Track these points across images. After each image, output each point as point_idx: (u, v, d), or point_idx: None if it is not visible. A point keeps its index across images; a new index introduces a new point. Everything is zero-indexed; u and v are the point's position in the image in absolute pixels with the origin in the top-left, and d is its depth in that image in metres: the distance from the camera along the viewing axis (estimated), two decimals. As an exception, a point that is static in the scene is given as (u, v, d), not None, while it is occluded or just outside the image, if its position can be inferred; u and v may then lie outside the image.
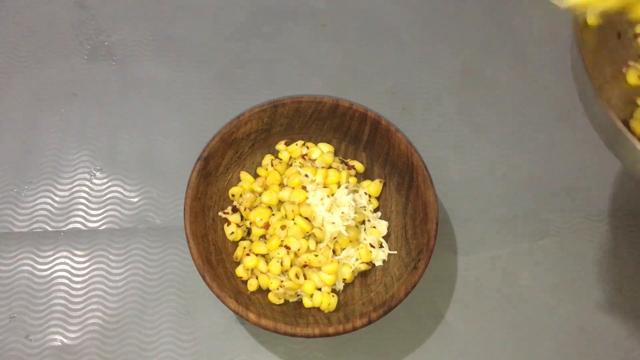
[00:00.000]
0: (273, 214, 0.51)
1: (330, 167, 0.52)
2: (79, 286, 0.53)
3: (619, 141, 0.35)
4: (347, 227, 0.50)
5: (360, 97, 0.61)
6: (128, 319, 0.52)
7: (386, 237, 0.52)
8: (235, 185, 0.53)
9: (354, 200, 0.51)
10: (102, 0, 0.65)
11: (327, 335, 0.46)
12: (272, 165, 0.53)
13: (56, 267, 0.53)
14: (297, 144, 0.54)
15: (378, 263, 0.51)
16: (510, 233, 0.56)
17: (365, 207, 0.52)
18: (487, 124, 0.61)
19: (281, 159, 0.53)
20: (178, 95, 0.61)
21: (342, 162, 0.53)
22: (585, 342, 0.52)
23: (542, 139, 0.60)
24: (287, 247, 0.49)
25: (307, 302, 0.49)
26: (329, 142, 0.55)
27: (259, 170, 0.54)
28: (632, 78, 0.40)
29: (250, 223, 0.51)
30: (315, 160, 0.53)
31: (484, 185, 0.58)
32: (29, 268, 0.53)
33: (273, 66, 0.63)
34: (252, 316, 0.46)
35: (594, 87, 0.36)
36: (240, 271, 0.50)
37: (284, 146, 0.54)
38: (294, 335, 0.46)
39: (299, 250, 0.49)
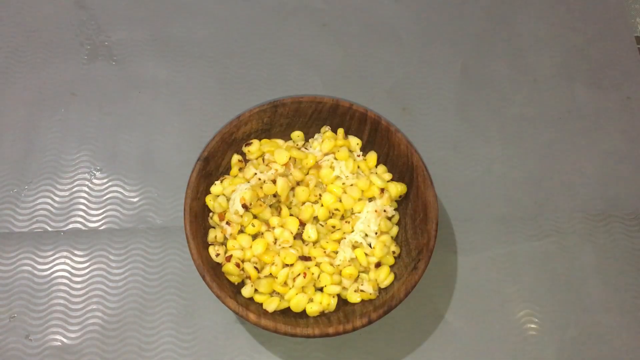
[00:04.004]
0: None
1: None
2: (79, 286, 0.53)
3: None
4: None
5: (360, 97, 0.61)
6: (128, 319, 0.52)
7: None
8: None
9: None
10: (102, 0, 0.65)
11: (327, 335, 0.46)
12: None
13: (56, 267, 0.53)
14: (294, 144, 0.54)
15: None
16: (510, 233, 0.56)
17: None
18: (487, 124, 0.61)
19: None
20: (178, 95, 0.61)
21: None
22: (584, 341, 0.52)
23: (542, 139, 0.60)
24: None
25: (309, 309, 0.49)
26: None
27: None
28: None
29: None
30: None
31: (484, 185, 0.58)
32: (29, 268, 0.53)
33: (273, 66, 0.63)
34: (252, 316, 0.46)
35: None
36: (232, 278, 0.50)
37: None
38: (294, 335, 0.46)
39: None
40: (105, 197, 0.56)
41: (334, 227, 0.50)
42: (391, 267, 0.50)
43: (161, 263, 0.54)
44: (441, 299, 0.53)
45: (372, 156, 0.53)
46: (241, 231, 0.50)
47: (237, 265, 0.48)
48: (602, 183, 0.59)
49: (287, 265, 0.49)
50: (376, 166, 0.53)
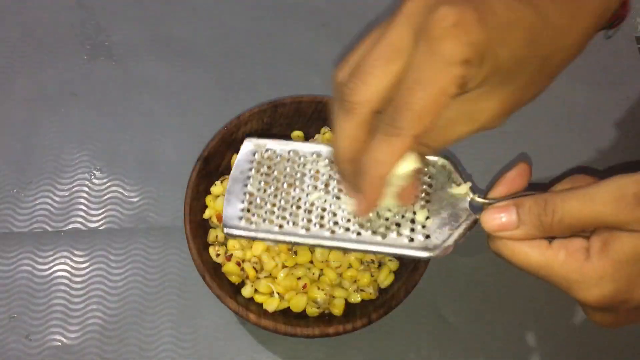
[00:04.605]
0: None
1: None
2: (79, 286, 0.53)
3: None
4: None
5: (360, 97, 0.61)
6: (128, 319, 0.52)
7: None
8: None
9: None
10: (102, 0, 0.65)
11: (327, 335, 0.46)
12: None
13: (56, 267, 0.53)
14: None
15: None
16: (511, 233, 0.56)
17: None
18: (487, 124, 0.61)
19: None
20: (178, 95, 0.61)
21: None
22: (586, 342, 0.52)
23: (542, 139, 0.60)
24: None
25: (309, 309, 0.49)
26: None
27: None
28: None
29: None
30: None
31: (484, 185, 0.58)
32: (29, 268, 0.53)
33: (273, 66, 0.63)
34: (252, 316, 0.46)
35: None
36: (232, 278, 0.50)
37: None
38: (294, 335, 0.46)
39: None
40: (105, 197, 0.56)
41: None
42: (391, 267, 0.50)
43: (161, 263, 0.54)
44: (441, 299, 0.53)
45: None
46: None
47: (238, 264, 0.48)
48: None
49: (287, 265, 0.49)
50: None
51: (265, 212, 0.38)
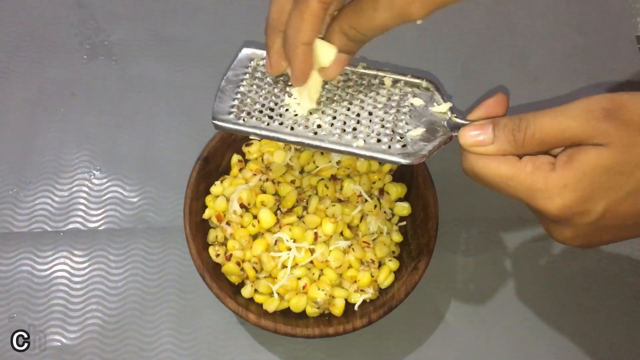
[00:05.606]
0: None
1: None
2: (78, 286, 0.53)
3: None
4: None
5: (360, 97, 0.61)
6: (128, 319, 0.52)
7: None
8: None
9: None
10: (101, -1, 0.65)
11: (327, 335, 0.46)
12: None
13: (56, 268, 0.53)
14: None
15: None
16: (510, 233, 0.56)
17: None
18: (487, 123, 0.61)
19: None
20: (178, 95, 0.61)
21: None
22: (584, 342, 0.52)
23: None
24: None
25: (309, 309, 0.49)
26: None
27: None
28: None
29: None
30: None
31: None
32: (29, 268, 0.53)
33: (273, 66, 0.63)
34: (251, 316, 0.46)
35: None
36: (232, 278, 0.50)
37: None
38: (294, 335, 0.46)
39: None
40: (104, 197, 0.56)
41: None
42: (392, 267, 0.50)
43: (161, 263, 0.54)
44: (441, 299, 0.53)
45: None
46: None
47: (238, 264, 0.48)
48: (602, 183, 0.59)
49: (287, 266, 0.49)
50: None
51: (255, 111, 0.40)
